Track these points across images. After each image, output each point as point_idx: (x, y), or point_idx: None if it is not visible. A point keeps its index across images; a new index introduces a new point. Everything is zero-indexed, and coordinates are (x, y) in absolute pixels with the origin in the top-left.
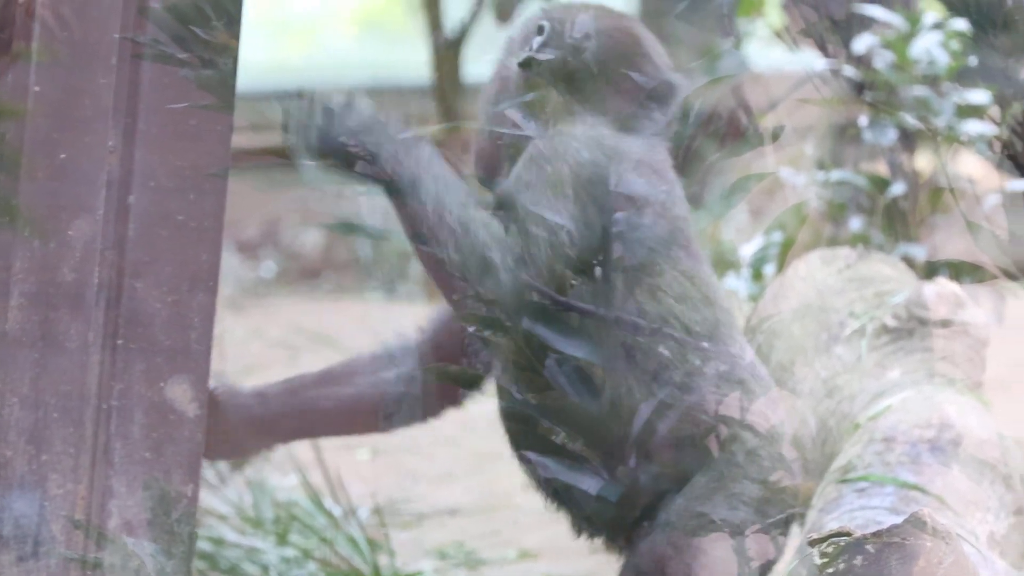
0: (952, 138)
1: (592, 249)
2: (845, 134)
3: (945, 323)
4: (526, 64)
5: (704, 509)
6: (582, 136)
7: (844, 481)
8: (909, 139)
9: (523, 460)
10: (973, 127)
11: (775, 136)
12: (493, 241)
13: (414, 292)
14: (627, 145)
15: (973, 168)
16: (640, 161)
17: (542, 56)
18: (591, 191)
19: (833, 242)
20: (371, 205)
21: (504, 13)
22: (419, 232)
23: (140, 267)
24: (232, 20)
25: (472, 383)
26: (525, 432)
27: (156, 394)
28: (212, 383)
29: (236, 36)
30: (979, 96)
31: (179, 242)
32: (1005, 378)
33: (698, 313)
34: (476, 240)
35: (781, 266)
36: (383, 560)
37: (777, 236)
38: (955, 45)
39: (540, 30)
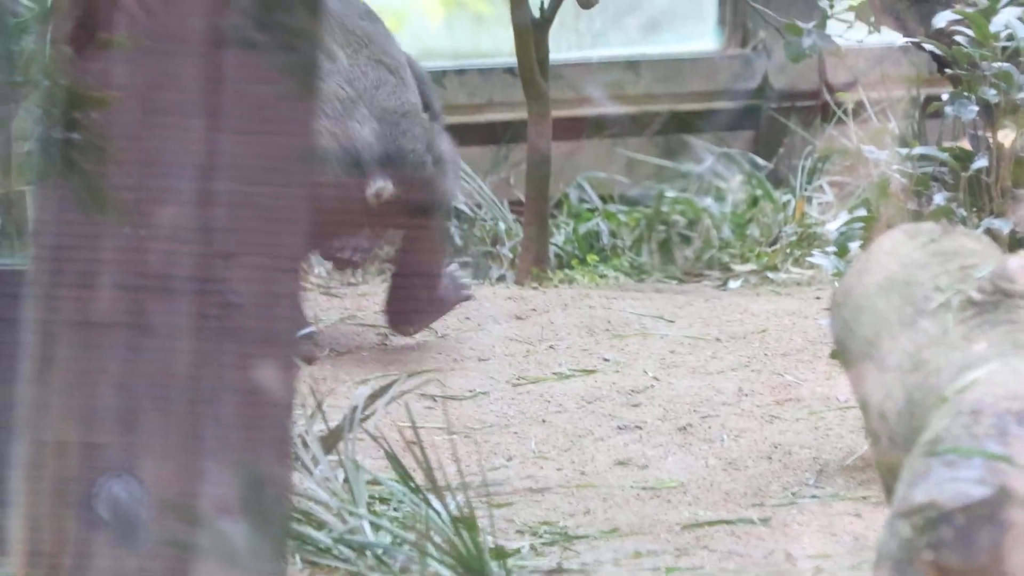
0: None
1: None
2: (927, 109)
3: None
4: None
5: None
6: None
7: (932, 454)
8: (991, 113)
9: None
10: None
11: (857, 113)
12: None
13: (503, 275)
14: None
15: None
16: None
17: None
18: None
19: (917, 217)
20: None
21: (585, 1)
22: None
23: (227, 253)
24: (314, 5)
25: None
26: None
27: (245, 378)
28: None
29: (318, 21)
30: None
31: (266, 228)
32: None
33: None
34: None
35: (866, 242)
36: (478, 538)
37: (861, 212)
38: None
39: None
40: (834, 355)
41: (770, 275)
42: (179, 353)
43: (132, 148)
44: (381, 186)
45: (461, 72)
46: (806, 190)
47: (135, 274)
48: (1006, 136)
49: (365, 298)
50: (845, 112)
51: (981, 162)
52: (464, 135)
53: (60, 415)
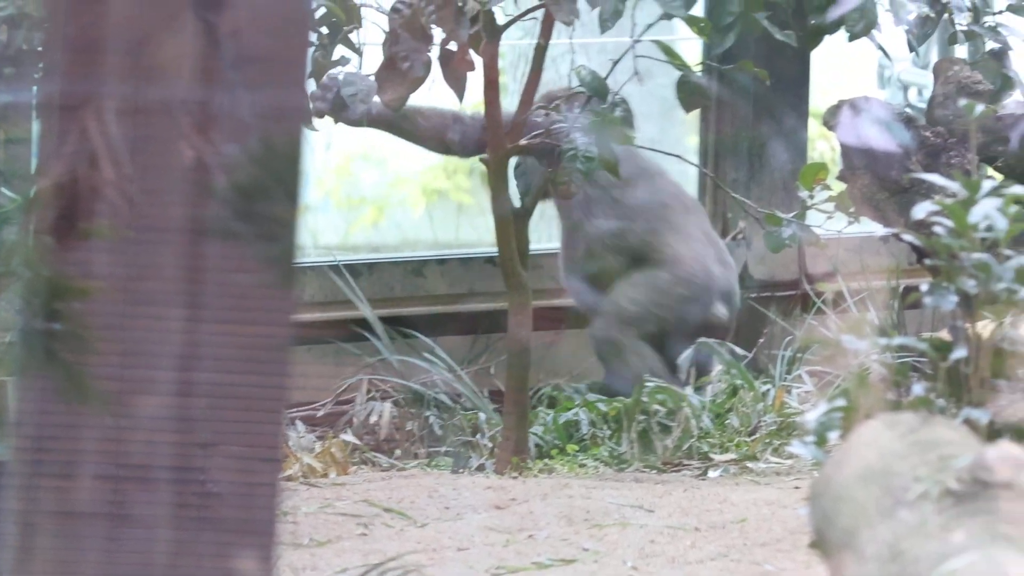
0: (1012, 302)
1: None
2: (906, 300)
3: (1009, 486)
4: None
5: None
6: None
7: None
8: (970, 304)
9: None
10: None
11: (836, 303)
12: None
13: (483, 464)
14: None
15: None
16: None
17: None
18: None
19: (896, 407)
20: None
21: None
22: None
23: (207, 442)
24: (292, 195)
25: None
26: None
27: (224, 567)
28: None
29: (297, 211)
30: None
31: (245, 417)
32: None
33: None
34: None
35: (845, 432)
36: None
37: (840, 402)
38: (1013, 210)
39: None
40: (813, 545)
41: (750, 464)
42: (159, 543)
43: (113, 338)
44: (722, 310)
45: (442, 262)
46: (785, 380)
47: (115, 464)
48: (985, 327)
49: (344, 487)
50: (825, 302)
51: (960, 352)
52: (444, 325)
53: None
